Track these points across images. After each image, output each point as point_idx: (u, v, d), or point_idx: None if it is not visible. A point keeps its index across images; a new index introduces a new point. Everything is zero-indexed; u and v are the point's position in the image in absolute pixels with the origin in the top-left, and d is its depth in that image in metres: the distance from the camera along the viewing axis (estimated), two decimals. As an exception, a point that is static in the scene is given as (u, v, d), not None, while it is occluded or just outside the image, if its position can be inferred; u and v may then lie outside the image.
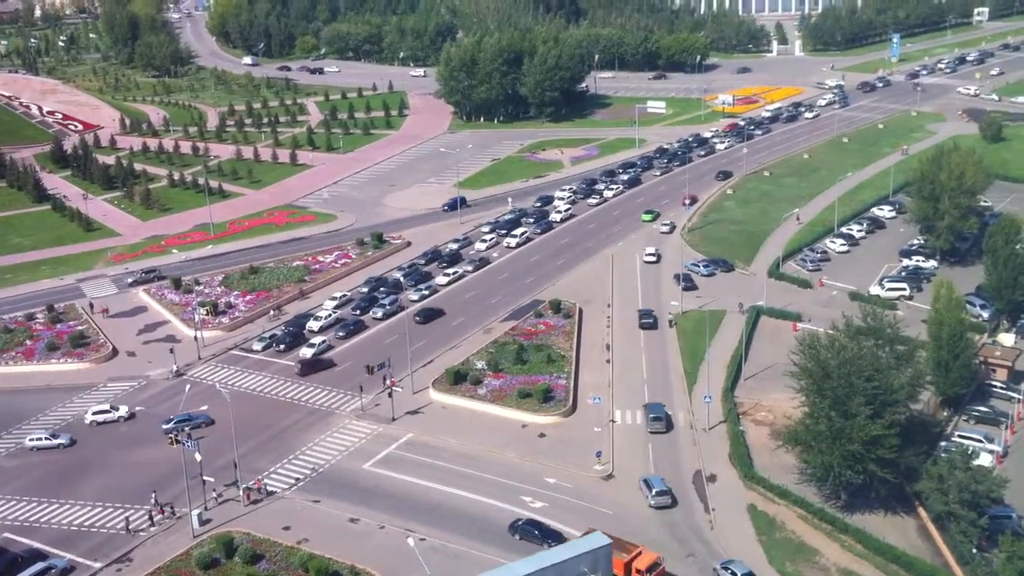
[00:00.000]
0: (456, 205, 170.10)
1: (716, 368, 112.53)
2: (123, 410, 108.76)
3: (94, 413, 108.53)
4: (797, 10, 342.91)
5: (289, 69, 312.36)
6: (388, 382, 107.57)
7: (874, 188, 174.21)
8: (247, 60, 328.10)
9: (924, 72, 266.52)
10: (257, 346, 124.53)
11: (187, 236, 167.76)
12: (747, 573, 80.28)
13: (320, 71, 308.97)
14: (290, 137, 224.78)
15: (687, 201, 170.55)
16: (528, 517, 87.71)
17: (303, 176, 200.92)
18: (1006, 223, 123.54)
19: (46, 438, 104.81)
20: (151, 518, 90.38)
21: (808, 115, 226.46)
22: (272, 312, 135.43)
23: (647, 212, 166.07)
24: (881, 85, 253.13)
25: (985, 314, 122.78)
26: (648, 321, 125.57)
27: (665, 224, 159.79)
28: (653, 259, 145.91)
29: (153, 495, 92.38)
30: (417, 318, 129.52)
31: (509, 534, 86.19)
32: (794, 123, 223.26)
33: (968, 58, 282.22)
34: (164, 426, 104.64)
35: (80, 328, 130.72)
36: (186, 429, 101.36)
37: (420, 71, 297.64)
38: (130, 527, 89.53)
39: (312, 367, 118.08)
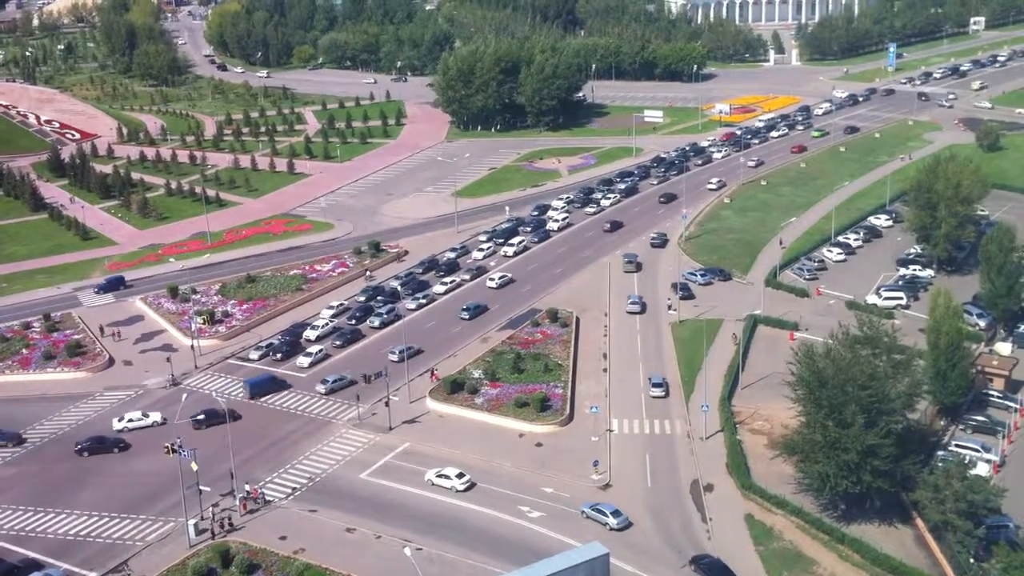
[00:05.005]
0: (112, 285, 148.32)
1: (713, 377, 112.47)
2: None
3: None
4: (794, 20, 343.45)
5: (214, 62, 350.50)
6: (431, 375, 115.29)
7: (871, 197, 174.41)
8: (207, 52, 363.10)
9: (917, 82, 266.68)
10: (254, 355, 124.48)
11: (184, 245, 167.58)
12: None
13: (224, 67, 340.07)
14: (288, 146, 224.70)
15: (795, 149, 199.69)
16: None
17: (301, 185, 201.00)
18: (1002, 232, 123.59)
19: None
20: (222, 524, 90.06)
21: (774, 134, 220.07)
22: (367, 275, 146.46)
23: (816, 130, 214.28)
24: (862, 99, 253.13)
25: (982, 323, 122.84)
26: (638, 260, 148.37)
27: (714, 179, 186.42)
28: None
29: (211, 508, 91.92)
30: (606, 226, 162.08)
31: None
32: (790, 132, 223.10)
33: (961, 67, 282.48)
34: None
35: (76, 337, 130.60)
36: None
37: (239, 69, 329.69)
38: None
39: (616, 226, 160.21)
